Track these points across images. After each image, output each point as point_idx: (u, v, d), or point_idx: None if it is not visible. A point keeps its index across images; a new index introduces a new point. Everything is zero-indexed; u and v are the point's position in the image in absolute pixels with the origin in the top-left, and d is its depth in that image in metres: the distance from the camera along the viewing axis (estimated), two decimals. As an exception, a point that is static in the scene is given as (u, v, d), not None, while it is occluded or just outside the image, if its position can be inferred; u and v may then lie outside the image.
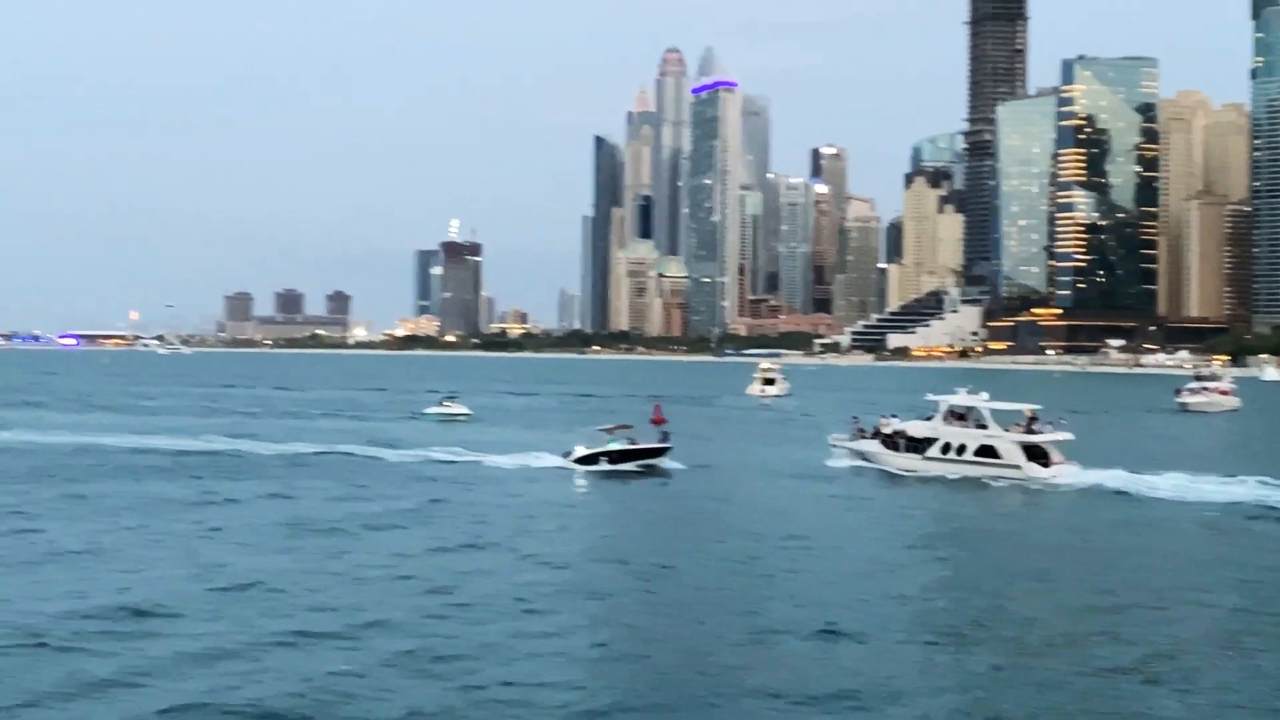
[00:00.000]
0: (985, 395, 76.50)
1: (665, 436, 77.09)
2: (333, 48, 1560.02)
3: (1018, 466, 71.26)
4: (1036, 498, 65.58)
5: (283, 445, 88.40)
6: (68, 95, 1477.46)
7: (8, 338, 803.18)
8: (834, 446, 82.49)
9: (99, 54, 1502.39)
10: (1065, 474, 70.38)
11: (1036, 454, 71.90)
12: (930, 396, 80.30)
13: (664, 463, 75.38)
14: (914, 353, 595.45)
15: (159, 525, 50.76)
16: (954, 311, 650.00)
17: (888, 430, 78.61)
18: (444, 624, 33.92)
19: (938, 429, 75.84)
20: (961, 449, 73.63)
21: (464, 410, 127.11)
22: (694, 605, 36.92)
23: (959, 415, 75.99)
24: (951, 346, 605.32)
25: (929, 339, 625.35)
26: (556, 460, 76.55)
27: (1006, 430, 73.56)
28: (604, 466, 73.78)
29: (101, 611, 34.26)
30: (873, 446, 78.46)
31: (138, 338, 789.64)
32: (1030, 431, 73.36)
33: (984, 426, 74.03)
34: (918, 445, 75.78)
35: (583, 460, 74.73)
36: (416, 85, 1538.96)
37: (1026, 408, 75.75)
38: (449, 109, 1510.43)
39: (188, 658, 29.87)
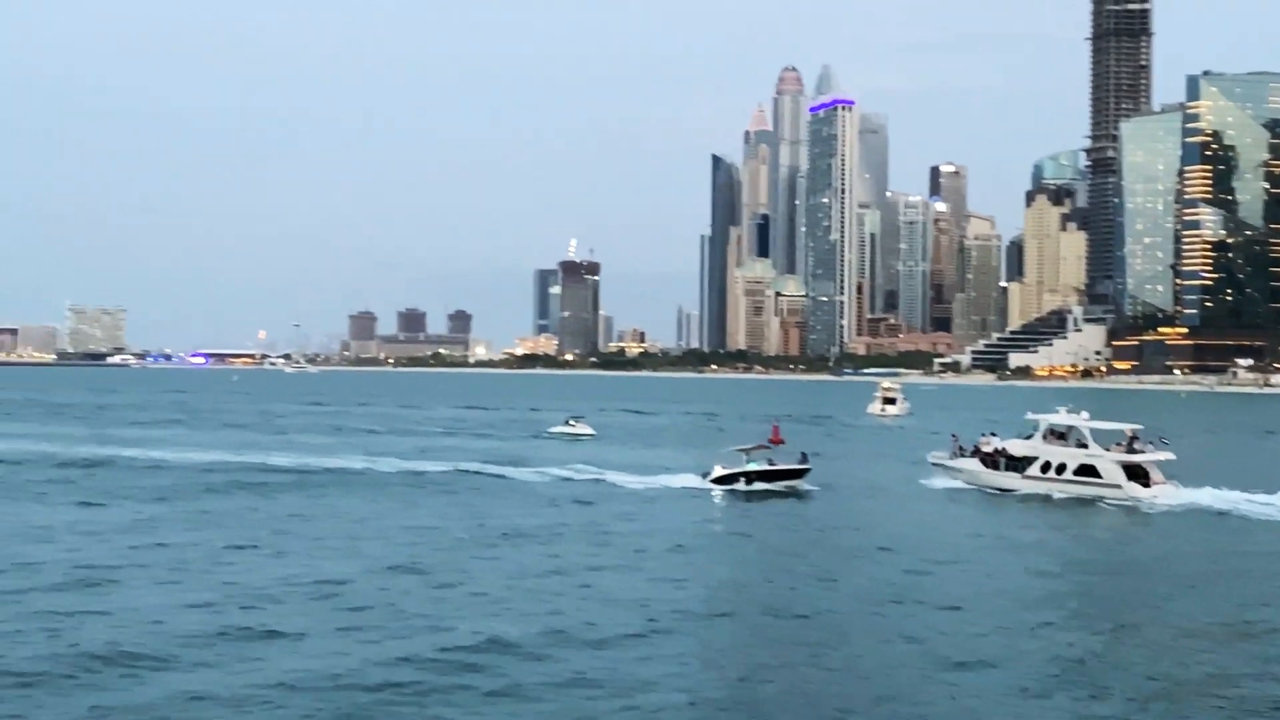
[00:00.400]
0: (1085, 414, 76.23)
1: (804, 458, 76.48)
2: (456, 72, 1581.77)
3: (1118, 486, 71.03)
4: (1154, 521, 64.74)
5: (411, 463, 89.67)
6: (196, 125, 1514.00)
7: (141, 357, 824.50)
8: (934, 465, 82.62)
9: (227, 83, 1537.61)
10: (1166, 494, 70.01)
11: (1137, 473, 71.59)
12: (1030, 415, 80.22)
13: (803, 484, 74.79)
14: (1036, 372, 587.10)
15: (286, 543, 51.82)
16: (1077, 330, 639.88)
17: (988, 449, 78.74)
18: (570, 645, 33.81)
19: (1038, 448, 75.82)
20: (1061, 468, 73.61)
21: (588, 430, 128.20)
22: (820, 631, 36.55)
23: (1059, 434, 75.94)
24: (1075, 366, 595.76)
25: (1052, 358, 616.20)
26: (694, 480, 76.28)
27: (1107, 449, 73.30)
28: (742, 487, 73.37)
29: (228, 630, 34.81)
30: (972, 465, 78.60)
31: (265, 357, 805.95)
32: (1131, 451, 73.02)
33: (1084, 445, 73.84)
34: (1018, 464, 75.81)
35: (721, 480, 74.41)
36: (537, 107, 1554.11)
37: (1127, 427, 75.47)
38: (568, 130, 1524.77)
39: (314, 677, 30.11)
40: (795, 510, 67.78)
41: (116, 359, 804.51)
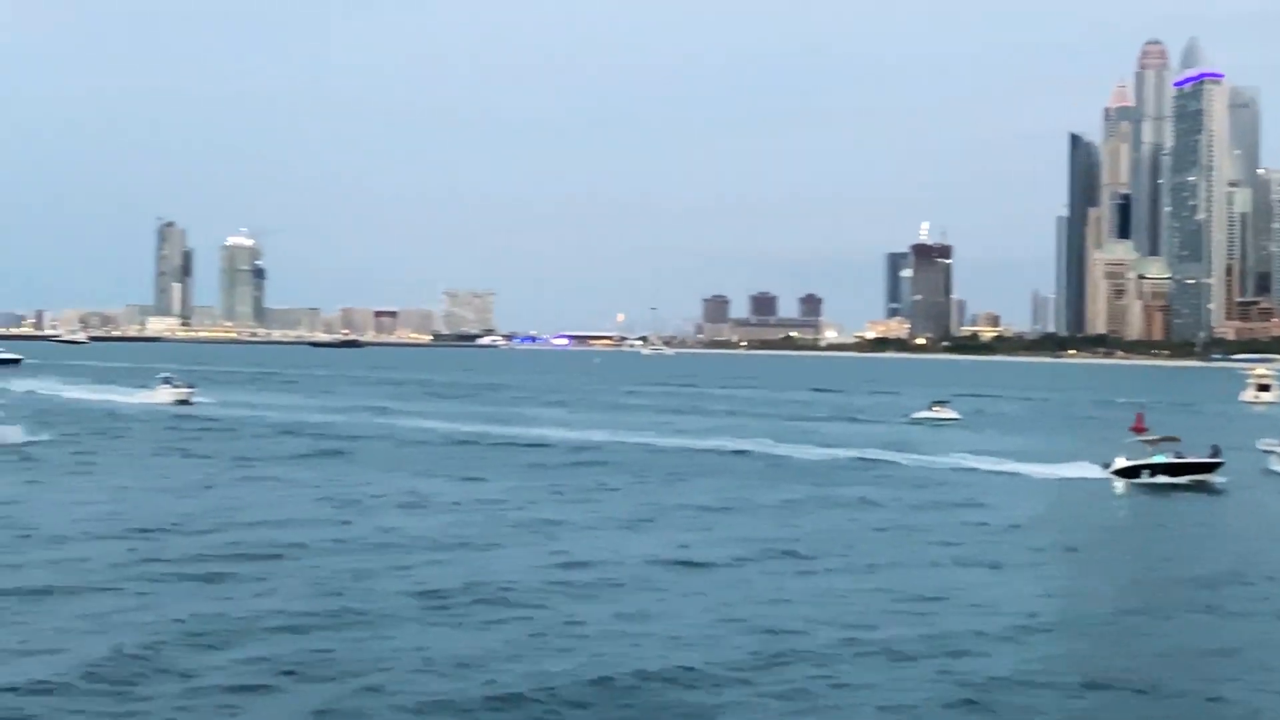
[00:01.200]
0: None
1: (1216, 451, 73.51)
2: (810, 58, 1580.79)
3: None
4: None
5: (781, 447, 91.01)
6: (558, 118, 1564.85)
7: (508, 338, 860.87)
8: (1264, 452, 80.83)
9: (586, 81, 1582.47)
10: None
11: None
12: None
13: (1215, 478, 71.53)
14: None
15: (653, 520, 54.13)
16: None
17: None
18: (943, 643, 32.63)
19: None
20: None
21: (953, 414, 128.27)
22: (1216, 637, 34.43)
23: None
24: None
25: None
26: (1093, 470, 74.45)
27: None
28: (1146, 479, 70.82)
29: (606, 610, 36.31)
30: None
31: (624, 339, 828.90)
32: None
33: None
34: None
35: (1123, 472, 72.12)
36: (887, 89, 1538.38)
37: None
38: (919, 112, 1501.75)
39: (669, 664, 30.17)
40: (1196, 504, 65.55)
41: (486, 340, 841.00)
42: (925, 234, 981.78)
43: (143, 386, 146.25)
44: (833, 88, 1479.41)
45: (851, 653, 31.31)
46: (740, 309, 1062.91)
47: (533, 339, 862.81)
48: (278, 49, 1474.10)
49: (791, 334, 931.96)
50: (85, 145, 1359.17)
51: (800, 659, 30.67)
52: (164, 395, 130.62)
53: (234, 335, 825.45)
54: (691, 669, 29.47)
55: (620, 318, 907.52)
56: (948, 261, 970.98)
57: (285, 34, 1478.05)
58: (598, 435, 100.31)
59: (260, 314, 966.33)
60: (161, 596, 36.31)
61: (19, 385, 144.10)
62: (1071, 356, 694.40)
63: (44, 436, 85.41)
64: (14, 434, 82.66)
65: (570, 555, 44.40)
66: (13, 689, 26.82)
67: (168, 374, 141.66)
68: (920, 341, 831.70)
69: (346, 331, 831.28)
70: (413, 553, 44.56)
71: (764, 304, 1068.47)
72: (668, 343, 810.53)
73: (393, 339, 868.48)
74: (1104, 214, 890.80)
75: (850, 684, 28.63)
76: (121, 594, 36.39)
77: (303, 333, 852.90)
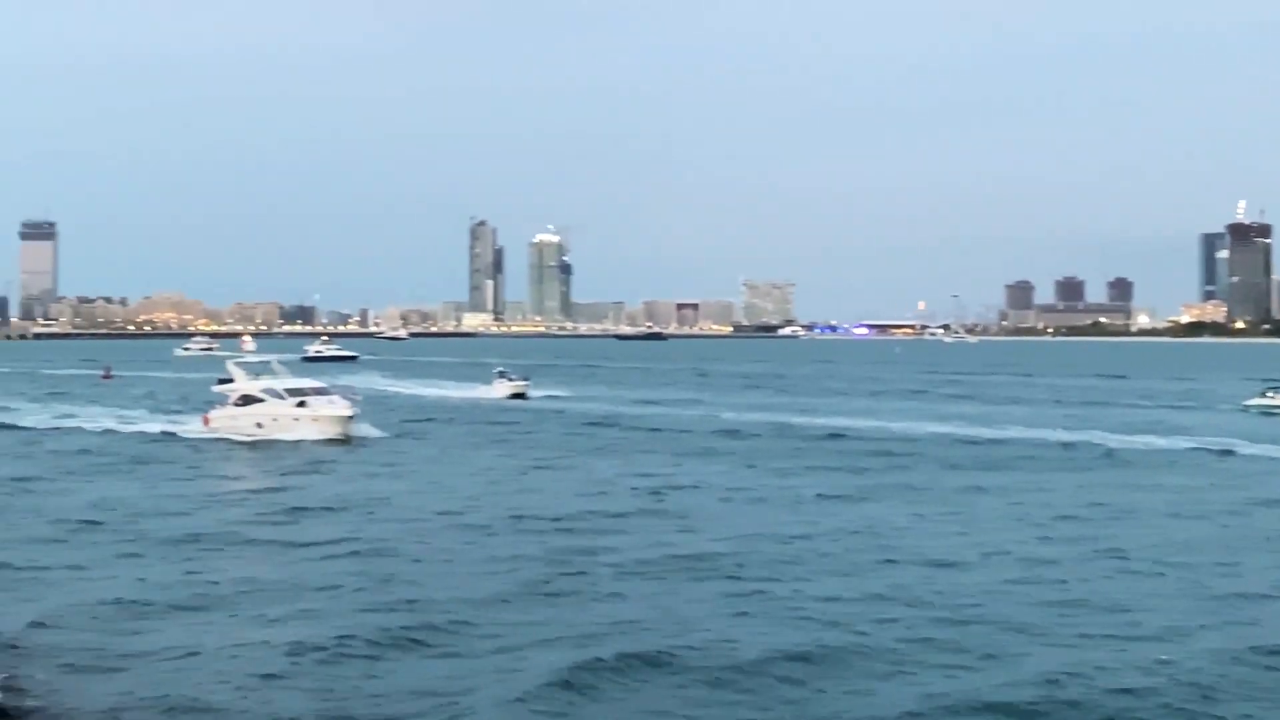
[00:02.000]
0: None
1: None
2: (1113, 36, 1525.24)
3: None
4: None
5: (1121, 437, 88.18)
6: (858, 98, 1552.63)
7: (808, 328, 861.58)
8: None
9: (885, 60, 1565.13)
10: None
11: None
12: None
13: None
14: None
15: (978, 516, 53.31)
16: None
17: None
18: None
19: None
20: None
21: None
22: None
23: None
24: None
25: None
26: None
27: None
28: None
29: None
30: None
31: (925, 327, 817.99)
32: None
33: None
34: None
35: None
36: (1200, 65, 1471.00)
37: None
38: (1234, 86, 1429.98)
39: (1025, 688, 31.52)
40: None
41: (786, 331, 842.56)
42: (1242, 213, 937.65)
43: (471, 380, 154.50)
44: (1137, 64, 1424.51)
45: (1168, 662, 29.16)
46: (1045, 294, 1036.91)
47: (832, 329, 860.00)
48: (569, 46, 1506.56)
49: (1100, 319, 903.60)
50: (404, 146, 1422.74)
51: (1116, 669, 28.64)
52: (501, 389, 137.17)
53: (543, 329, 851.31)
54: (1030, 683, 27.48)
55: (921, 305, 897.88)
56: (1267, 241, 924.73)
57: (579, 31, 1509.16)
58: (904, 425, 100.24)
59: (567, 308, 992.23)
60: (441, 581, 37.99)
61: (359, 381, 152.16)
62: None
63: (396, 431, 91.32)
64: (368, 428, 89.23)
65: (888, 552, 43.55)
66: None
67: (503, 368, 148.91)
68: (1239, 325, 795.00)
69: (650, 324, 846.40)
70: (720, 541, 45.22)
71: (1070, 289, 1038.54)
72: (970, 330, 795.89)
73: (694, 331, 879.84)
74: None
75: (1172, 691, 27.12)
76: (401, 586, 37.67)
77: (608, 326, 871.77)
